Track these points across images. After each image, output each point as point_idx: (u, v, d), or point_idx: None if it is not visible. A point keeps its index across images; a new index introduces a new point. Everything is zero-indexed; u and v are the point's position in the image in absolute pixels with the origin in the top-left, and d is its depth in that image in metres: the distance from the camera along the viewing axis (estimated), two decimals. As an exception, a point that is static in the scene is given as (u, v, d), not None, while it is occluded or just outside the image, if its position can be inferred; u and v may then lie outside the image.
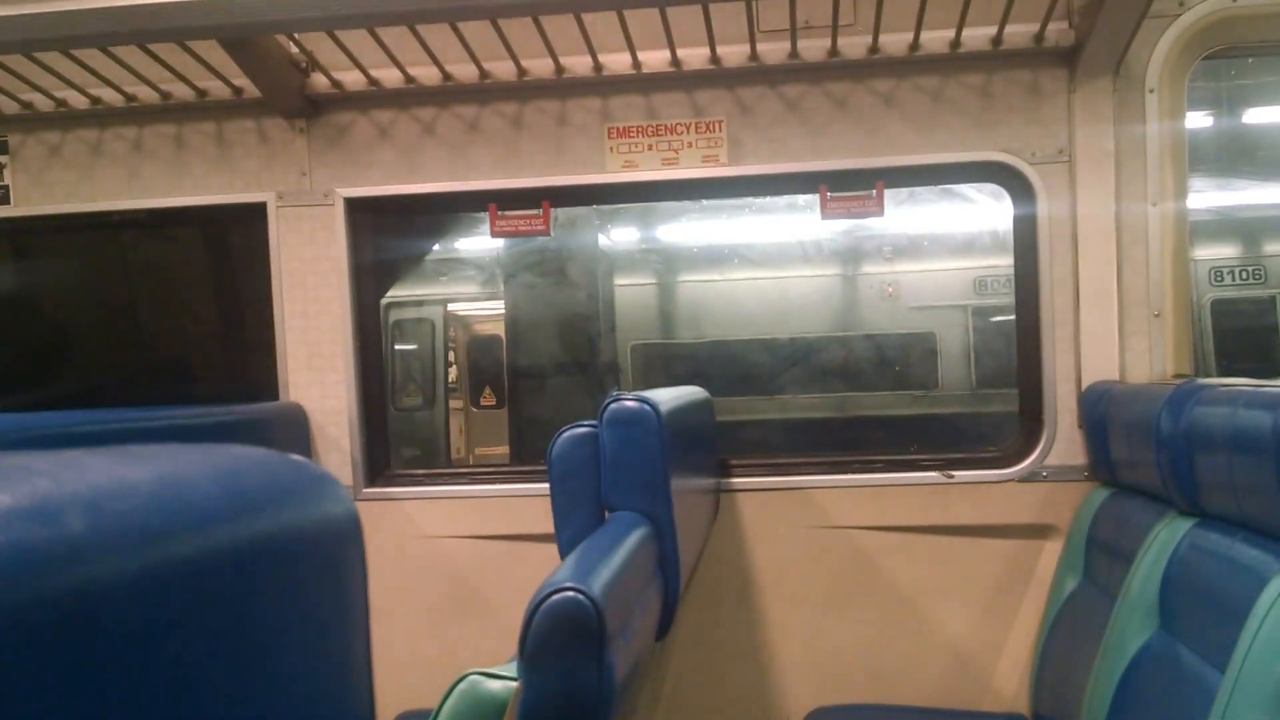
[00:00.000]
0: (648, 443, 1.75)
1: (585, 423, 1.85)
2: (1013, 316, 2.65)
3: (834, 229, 6.19)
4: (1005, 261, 5.91)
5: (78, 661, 0.34)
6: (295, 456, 0.52)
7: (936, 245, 6.27)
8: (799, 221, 6.25)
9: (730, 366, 6.27)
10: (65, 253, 3.27)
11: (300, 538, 0.48)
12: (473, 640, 2.66)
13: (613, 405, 1.78)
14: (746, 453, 2.77)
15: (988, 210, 5.67)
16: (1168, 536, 1.85)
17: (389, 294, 3.49)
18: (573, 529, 1.81)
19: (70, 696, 0.34)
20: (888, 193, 2.57)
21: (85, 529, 0.35)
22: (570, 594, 1.20)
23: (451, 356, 8.07)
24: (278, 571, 0.46)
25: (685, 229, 6.78)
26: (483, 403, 8.19)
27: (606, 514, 1.83)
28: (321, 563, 0.50)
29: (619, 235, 6.67)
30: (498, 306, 6.79)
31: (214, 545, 0.41)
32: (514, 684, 1.21)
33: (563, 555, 1.79)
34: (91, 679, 0.34)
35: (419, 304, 7.62)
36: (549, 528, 1.92)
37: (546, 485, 1.91)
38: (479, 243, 6.95)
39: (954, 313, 6.28)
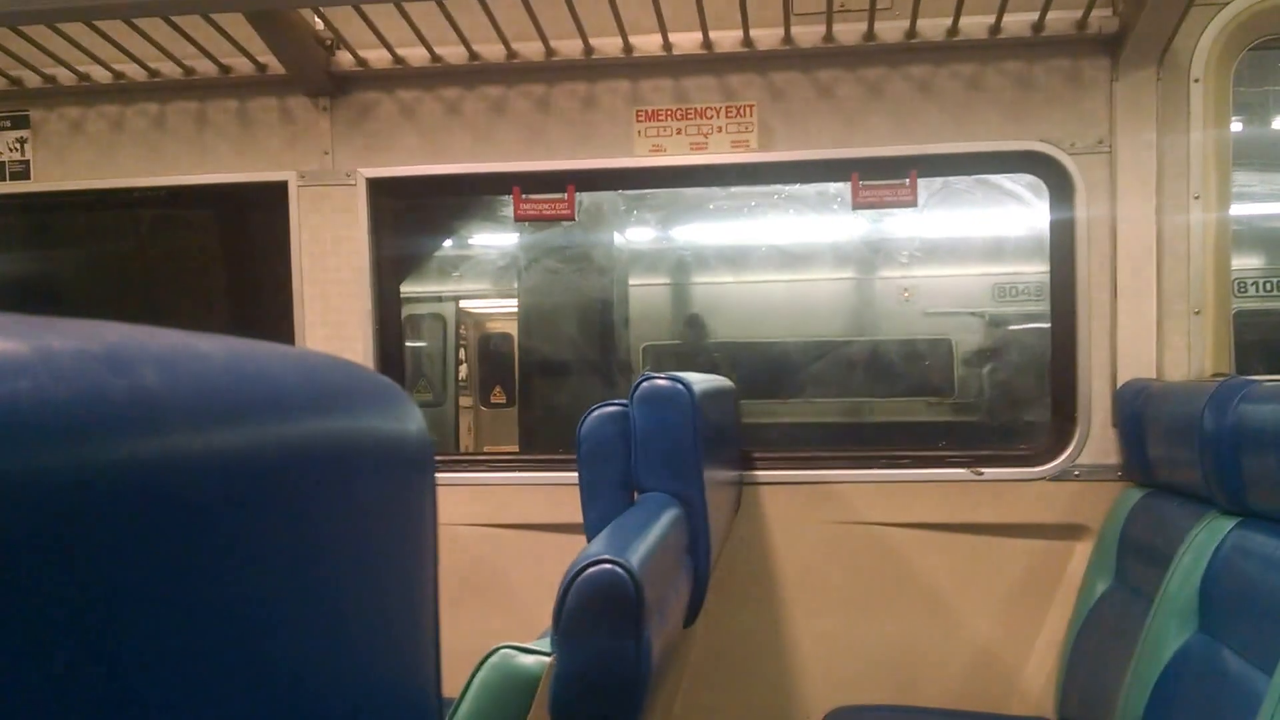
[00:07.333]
0: (680, 422, 1.69)
1: (615, 401, 1.79)
2: (1033, 325, 2.60)
3: (852, 232, 6.13)
4: (1024, 268, 5.87)
5: (152, 528, 0.29)
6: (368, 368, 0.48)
7: (957, 250, 6.20)
8: (818, 223, 6.19)
9: (742, 368, 6.20)
10: (85, 228, 3.24)
11: (379, 448, 0.44)
12: (492, 629, 2.60)
13: (645, 384, 1.73)
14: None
15: (1010, 214, 5.60)
16: (1208, 536, 1.81)
17: (401, 289, 3.46)
18: (601, 509, 1.76)
19: (147, 567, 0.29)
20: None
21: (160, 385, 0.30)
22: (608, 566, 1.15)
23: (462, 354, 8.03)
24: (358, 476, 0.41)
25: (701, 229, 6.73)
26: (493, 400, 8.15)
27: (636, 495, 1.78)
28: (399, 479, 0.46)
29: (635, 234, 6.62)
30: (510, 304, 6.75)
31: (294, 433, 0.37)
32: (547, 659, 1.16)
33: (590, 536, 1.74)
34: (169, 550, 0.30)
35: (433, 299, 7.58)
36: (568, 517, 1.87)
37: (565, 474, 1.86)
38: (493, 239, 6.91)
39: (972, 319, 6.20)
